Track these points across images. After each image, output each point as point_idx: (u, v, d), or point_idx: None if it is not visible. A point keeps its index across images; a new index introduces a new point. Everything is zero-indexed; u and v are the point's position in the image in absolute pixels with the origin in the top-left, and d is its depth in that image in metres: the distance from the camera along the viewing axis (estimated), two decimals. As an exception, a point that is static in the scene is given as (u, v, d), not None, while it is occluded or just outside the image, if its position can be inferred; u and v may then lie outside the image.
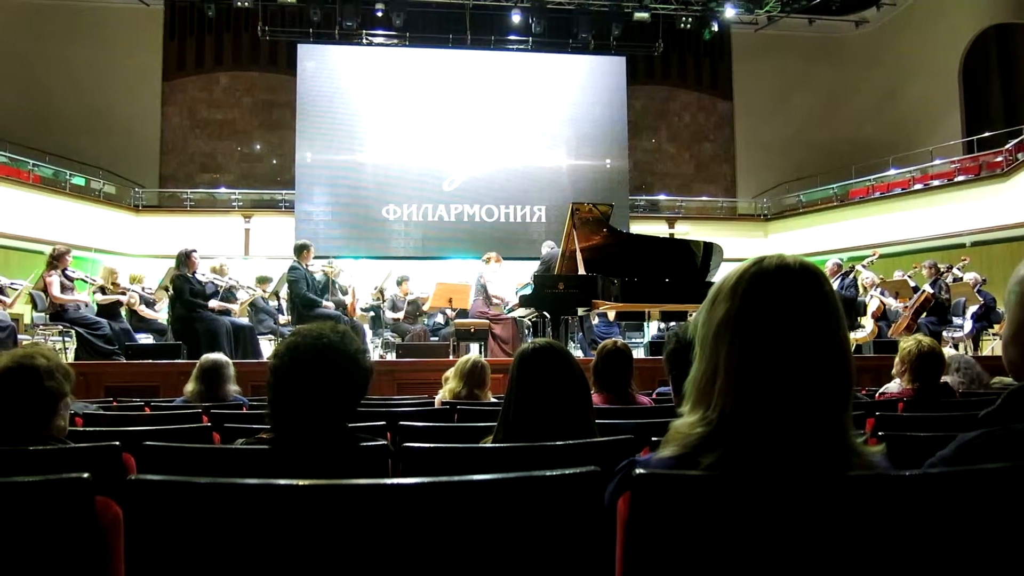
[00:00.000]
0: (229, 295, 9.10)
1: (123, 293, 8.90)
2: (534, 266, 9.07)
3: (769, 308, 1.11)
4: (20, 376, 2.00)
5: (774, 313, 1.11)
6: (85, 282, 8.63)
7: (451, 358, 7.62)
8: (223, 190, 17.89)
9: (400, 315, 10.61)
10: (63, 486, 1.19)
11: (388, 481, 1.13)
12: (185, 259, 8.21)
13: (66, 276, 8.29)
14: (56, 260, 8.22)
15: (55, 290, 8.06)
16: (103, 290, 8.67)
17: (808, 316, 1.11)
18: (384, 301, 11.00)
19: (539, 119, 17.01)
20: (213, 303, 8.40)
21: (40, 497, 1.18)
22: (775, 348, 1.10)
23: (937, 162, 16.30)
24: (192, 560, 1.09)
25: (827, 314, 1.12)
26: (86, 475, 1.19)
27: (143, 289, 9.44)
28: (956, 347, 9.93)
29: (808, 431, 1.09)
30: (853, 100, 19.80)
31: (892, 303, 10.34)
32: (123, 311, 9.08)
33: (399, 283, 10.95)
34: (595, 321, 10.19)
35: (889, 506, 1.04)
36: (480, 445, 2.08)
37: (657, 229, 17.32)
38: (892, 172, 16.96)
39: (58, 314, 8.11)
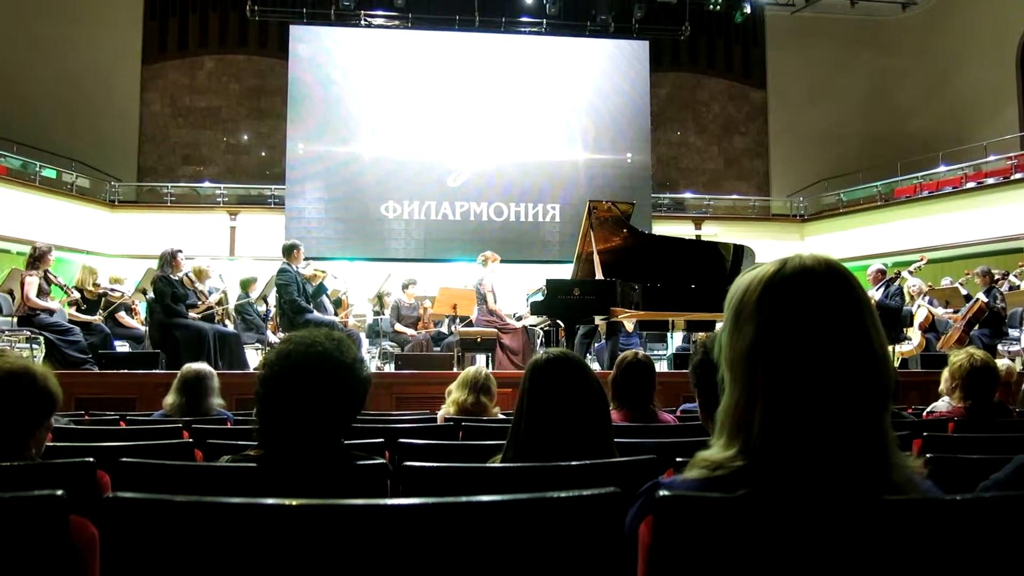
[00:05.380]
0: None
1: (104, 295, 8.95)
2: (547, 270, 9.02)
3: (799, 324, 1.12)
4: (7, 387, 1.98)
5: (805, 329, 1.11)
6: (62, 290, 8.65)
7: (455, 370, 7.62)
8: (207, 184, 17.98)
9: (413, 331, 10.54)
10: (36, 504, 1.19)
11: (387, 501, 1.13)
12: (170, 260, 8.22)
13: (46, 279, 8.31)
14: (37, 260, 8.22)
15: (31, 292, 8.05)
16: (81, 300, 8.70)
17: (840, 324, 1.12)
18: (387, 308, 10.98)
19: (553, 109, 17.03)
20: (193, 313, 8.42)
21: (11, 516, 1.19)
22: (812, 366, 1.10)
23: (992, 158, 16.23)
24: (173, 586, 1.10)
25: (860, 318, 1.13)
26: (60, 492, 1.20)
27: (122, 295, 9.50)
28: (1013, 360, 9.87)
29: (849, 449, 1.09)
30: (899, 90, 19.76)
31: (941, 313, 10.29)
32: (100, 316, 9.11)
33: (405, 287, 10.92)
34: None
35: (937, 533, 1.04)
36: (488, 465, 2.09)
37: (682, 230, 17.32)
38: (942, 169, 16.91)
39: (27, 318, 8.12)
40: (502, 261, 9.67)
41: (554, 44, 17.48)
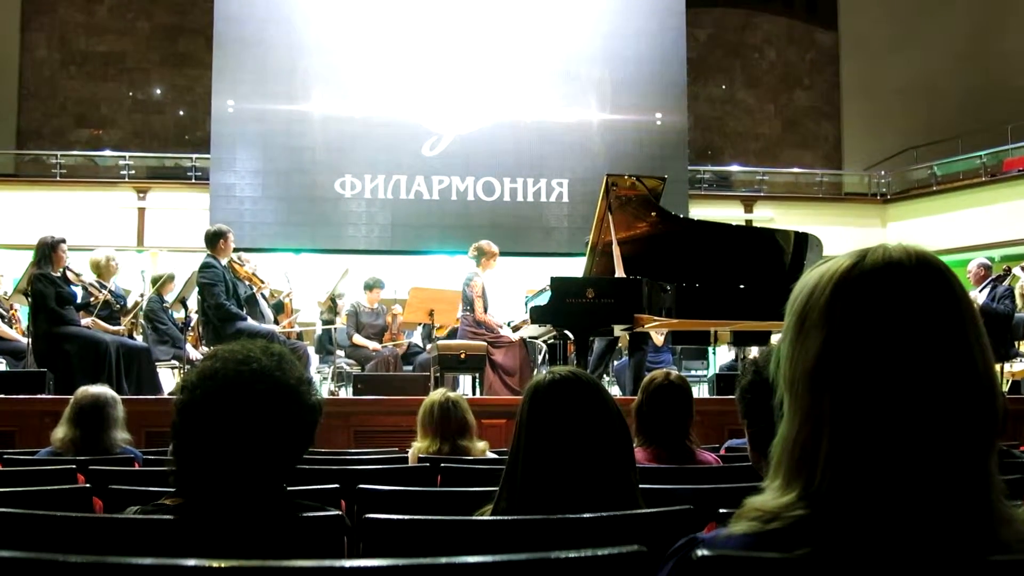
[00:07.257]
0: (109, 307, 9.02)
1: None
2: (551, 265, 8.98)
3: (880, 334, 1.11)
4: None
5: (888, 341, 1.11)
6: None
7: (432, 396, 7.62)
8: (108, 153, 17.93)
9: (377, 344, 10.55)
10: None
11: (344, 563, 1.13)
12: (49, 253, 8.17)
13: None
14: None
15: None
16: None
17: (934, 336, 1.11)
18: (341, 313, 10.97)
19: (560, 56, 16.95)
20: (88, 320, 8.39)
21: None
22: (896, 389, 1.09)
23: None
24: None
25: (960, 327, 1.13)
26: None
27: None
28: None
29: (943, 496, 1.09)
30: (1010, 32, 19.76)
31: (1065, 322, 10.31)
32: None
33: (368, 288, 10.89)
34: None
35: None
36: (475, 517, 2.09)
37: (728, 213, 17.30)
38: (1066, 134, 16.95)
39: None
40: (493, 253, 9.61)
41: (562, -29, 17.46)
